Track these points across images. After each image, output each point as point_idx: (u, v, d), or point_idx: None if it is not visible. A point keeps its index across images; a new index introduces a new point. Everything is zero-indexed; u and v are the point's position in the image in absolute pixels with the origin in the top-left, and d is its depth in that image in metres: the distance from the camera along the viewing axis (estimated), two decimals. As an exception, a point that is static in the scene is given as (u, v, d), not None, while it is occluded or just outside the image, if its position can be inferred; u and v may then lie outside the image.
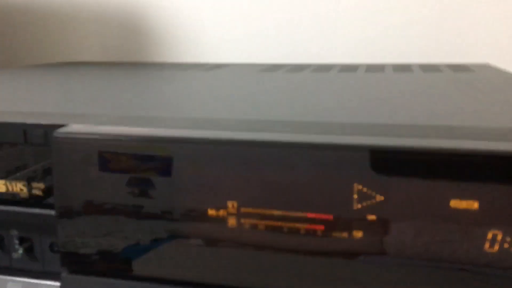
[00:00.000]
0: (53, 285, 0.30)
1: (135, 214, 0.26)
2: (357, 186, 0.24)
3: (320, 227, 0.25)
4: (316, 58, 0.74)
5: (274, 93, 0.42)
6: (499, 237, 0.23)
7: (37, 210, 0.30)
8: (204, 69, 0.64)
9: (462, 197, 0.23)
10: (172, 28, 0.79)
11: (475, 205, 0.23)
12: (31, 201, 0.30)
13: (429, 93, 0.40)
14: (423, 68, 0.60)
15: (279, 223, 0.25)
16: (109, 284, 0.27)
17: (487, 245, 0.23)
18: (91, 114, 0.31)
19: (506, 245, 0.23)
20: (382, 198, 0.24)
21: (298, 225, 0.25)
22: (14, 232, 0.31)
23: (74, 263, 0.27)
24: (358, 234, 0.24)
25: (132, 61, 0.81)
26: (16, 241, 0.31)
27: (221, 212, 0.26)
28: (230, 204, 0.26)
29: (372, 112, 0.32)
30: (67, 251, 0.27)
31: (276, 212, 0.25)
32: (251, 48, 0.78)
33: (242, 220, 0.26)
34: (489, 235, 0.23)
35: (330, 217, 0.25)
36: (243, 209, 0.25)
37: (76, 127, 0.27)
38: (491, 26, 0.68)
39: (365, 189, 0.24)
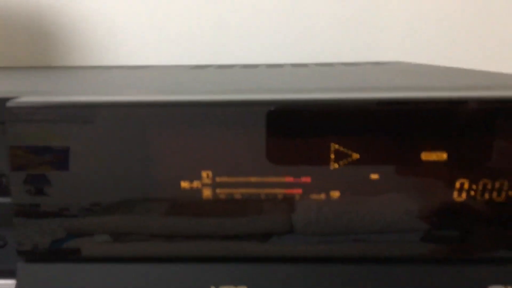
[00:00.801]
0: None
1: (100, 187, 0.24)
2: (333, 146, 0.24)
3: (298, 191, 0.25)
4: (242, 60, 0.75)
5: (209, 83, 0.42)
6: (466, 185, 0.24)
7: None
8: (128, 68, 0.61)
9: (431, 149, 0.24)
10: (86, 31, 0.75)
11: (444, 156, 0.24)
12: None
13: (354, 76, 0.42)
14: (344, 64, 0.64)
15: (256, 191, 0.25)
16: (71, 269, 0.25)
17: (455, 194, 0.24)
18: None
19: (472, 193, 0.24)
20: (358, 156, 0.24)
21: (276, 190, 0.25)
22: None
23: (31, 252, 0.24)
24: (335, 194, 0.25)
25: (44, 66, 0.75)
26: None
27: (195, 184, 0.25)
28: (204, 174, 0.25)
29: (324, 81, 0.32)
30: (23, 240, 0.24)
31: (253, 179, 0.25)
32: (174, 50, 0.76)
33: (218, 191, 0.25)
34: (457, 184, 0.24)
35: (308, 179, 0.25)
36: (218, 179, 0.25)
37: (26, 98, 0.24)
38: (403, 27, 0.74)
39: (341, 148, 0.24)
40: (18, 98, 0.25)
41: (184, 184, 0.24)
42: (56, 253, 0.25)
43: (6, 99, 0.24)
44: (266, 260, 0.25)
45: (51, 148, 0.24)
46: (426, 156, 0.24)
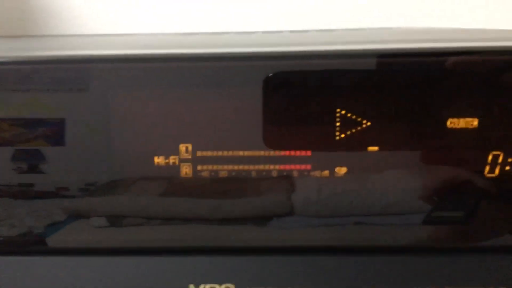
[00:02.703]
0: None
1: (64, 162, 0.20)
2: (340, 112, 0.20)
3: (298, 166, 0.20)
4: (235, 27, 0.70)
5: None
6: (500, 158, 0.20)
7: None
8: (107, 36, 0.56)
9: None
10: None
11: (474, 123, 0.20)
12: None
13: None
14: (346, 30, 0.59)
15: (244, 167, 0.20)
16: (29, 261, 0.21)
17: (487, 169, 0.20)
18: None
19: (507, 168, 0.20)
20: (369, 123, 0.20)
21: (270, 167, 0.20)
22: None
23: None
24: (342, 170, 0.20)
25: (13, 35, 0.70)
26: None
27: (172, 159, 0.20)
28: (183, 148, 0.20)
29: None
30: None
31: (241, 153, 0.20)
32: (161, 18, 0.71)
33: (199, 167, 0.20)
34: (490, 157, 0.20)
35: (308, 153, 0.20)
36: (199, 153, 0.20)
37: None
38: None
39: (349, 115, 0.20)
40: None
41: (159, 160, 0.20)
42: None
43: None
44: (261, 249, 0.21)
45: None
46: (452, 123, 0.20)
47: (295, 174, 0.20)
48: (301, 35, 0.46)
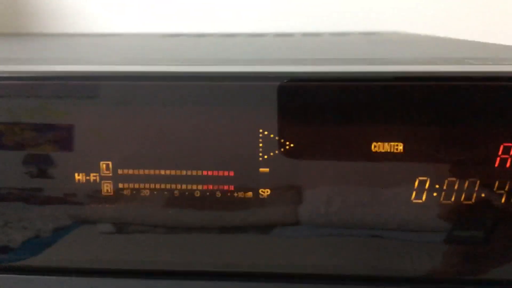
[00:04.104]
0: None
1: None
2: (263, 133, 0.19)
3: (221, 187, 0.20)
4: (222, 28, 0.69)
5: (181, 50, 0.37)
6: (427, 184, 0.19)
7: None
8: (99, 36, 0.56)
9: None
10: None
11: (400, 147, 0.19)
12: None
13: (340, 48, 0.37)
14: (333, 34, 0.58)
15: (169, 186, 0.20)
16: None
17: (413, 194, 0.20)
18: None
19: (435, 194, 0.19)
20: (292, 145, 0.19)
21: (193, 186, 0.20)
22: None
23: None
24: (265, 192, 0.20)
25: (11, 33, 0.70)
26: None
27: (92, 176, 0.20)
28: (103, 165, 0.20)
29: (281, 55, 0.27)
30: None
31: (164, 172, 0.20)
32: (149, 17, 0.71)
33: (120, 185, 0.20)
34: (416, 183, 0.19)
35: (231, 173, 0.20)
36: (120, 171, 0.20)
37: None
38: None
39: (272, 136, 0.19)
40: None
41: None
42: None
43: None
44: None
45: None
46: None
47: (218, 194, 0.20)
48: (286, 40, 0.45)
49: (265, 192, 0.20)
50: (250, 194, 0.20)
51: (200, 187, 0.20)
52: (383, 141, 0.19)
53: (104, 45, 0.38)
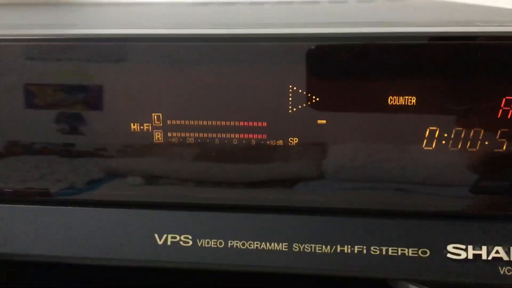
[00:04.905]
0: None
1: (52, 127, 0.23)
2: (292, 88, 0.22)
3: (255, 136, 0.23)
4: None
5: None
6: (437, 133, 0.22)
7: None
8: (125, 5, 0.59)
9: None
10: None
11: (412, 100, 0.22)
12: None
13: (363, 13, 0.39)
14: (360, 1, 0.59)
15: (210, 135, 0.23)
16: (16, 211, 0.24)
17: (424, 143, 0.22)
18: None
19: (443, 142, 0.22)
20: (318, 99, 0.22)
21: (232, 135, 0.23)
22: None
23: None
24: (294, 140, 0.23)
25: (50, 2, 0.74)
26: None
27: (146, 126, 0.23)
28: (154, 116, 0.23)
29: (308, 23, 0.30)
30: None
31: (206, 123, 0.23)
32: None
33: (169, 134, 0.23)
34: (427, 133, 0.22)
35: (264, 124, 0.23)
36: (169, 122, 0.23)
37: None
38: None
39: (300, 91, 0.22)
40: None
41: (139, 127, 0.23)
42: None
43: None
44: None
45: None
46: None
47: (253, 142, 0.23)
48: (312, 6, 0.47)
49: (294, 141, 0.23)
50: (280, 142, 0.23)
51: (237, 135, 0.23)
52: (398, 95, 0.22)
53: (145, 12, 0.41)
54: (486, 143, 0.22)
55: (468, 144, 0.22)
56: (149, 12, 0.42)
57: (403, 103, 0.22)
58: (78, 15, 0.40)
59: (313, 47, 0.21)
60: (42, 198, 0.24)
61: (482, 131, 0.22)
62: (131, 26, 0.26)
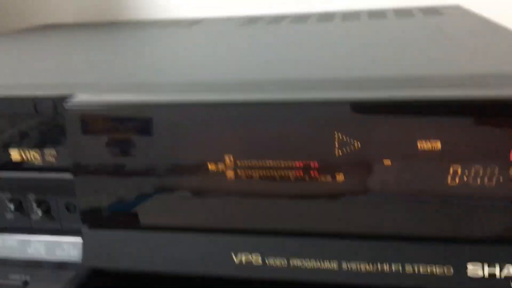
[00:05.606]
0: (73, 241, 0.34)
1: (145, 171, 0.30)
2: (337, 135, 0.27)
3: (307, 173, 0.28)
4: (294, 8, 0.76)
5: (257, 49, 0.45)
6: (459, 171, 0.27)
7: (50, 175, 0.33)
8: (183, 26, 0.65)
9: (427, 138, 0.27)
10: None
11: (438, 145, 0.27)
12: (45, 166, 0.33)
13: (402, 43, 0.43)
14: (397, 13, 0.63)
15: (272, 172, 0.29)
16: (125, 235, 0.31)
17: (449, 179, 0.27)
18: (91, 83, 0.34)
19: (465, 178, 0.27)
20: (359, 144, 0.27)
21: (288, 172, 0.29)
22: (32, 196, 0.34)
23: (93, 219, 0.31)
24: (340, 177, 0.28)
25: (108, 20, 0.81)
26: (34, 204, 0.34)
27: (220, 166, 0.29)
28: (227, 157, 0.29)
29: (349, 66, 0.35)
30: (86, 209, 0.31)
31: (269, 163, 0.29)
32: None
33: (239, 172, 0.29)
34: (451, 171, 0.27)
35: (315, 163, 0.28)
36: (239, 162, 0.29)
37: (83, 97, 0.30)
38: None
39: (344, 138, 0.27)
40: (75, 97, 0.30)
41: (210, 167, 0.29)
42: (115, 221, 0.31)
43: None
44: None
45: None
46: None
47: (306, 178, 0.28)
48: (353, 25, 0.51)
49: (340, 177, 0.28)
50: (329, 178, 0.28)
51: (293, 173, 0.29)
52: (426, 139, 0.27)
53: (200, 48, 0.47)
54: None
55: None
56: (203, 52, 0.47)
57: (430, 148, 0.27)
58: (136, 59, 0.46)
59: (354, 107, 0.27)
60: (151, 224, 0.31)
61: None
62: (196, 86, 0.32)
